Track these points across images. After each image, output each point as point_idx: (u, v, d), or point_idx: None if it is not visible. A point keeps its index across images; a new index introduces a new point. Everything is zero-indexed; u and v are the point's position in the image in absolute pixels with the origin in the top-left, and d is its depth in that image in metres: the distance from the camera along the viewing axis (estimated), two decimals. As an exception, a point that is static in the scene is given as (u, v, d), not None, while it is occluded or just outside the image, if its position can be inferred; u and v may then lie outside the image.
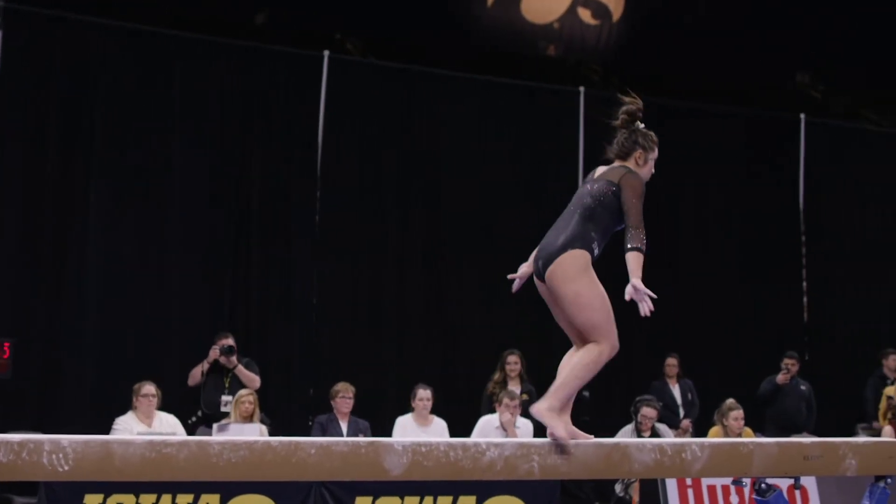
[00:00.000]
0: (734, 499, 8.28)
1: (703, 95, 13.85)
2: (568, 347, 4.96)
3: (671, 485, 8.17)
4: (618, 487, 9.02)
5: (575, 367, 4.76)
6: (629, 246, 4.67)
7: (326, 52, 11.20)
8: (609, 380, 11.90)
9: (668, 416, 10.77)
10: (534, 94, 12.28)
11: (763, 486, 5.01)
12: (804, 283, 13.31)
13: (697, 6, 17.44)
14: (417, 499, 7.63)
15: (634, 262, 4.68)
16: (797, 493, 8.39)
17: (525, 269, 5.23)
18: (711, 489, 8.29)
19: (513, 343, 10.50)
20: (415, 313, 11.45)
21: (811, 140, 13.30)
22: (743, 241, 12.98)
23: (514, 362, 10.13)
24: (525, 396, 9.82)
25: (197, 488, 7.15)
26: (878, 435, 10.12)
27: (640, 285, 4.65)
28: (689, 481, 8.19)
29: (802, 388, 11.08)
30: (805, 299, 13.27)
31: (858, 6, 16.11)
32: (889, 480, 5.17)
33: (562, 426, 4.58)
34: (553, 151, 12.09)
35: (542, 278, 4.92)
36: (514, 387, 9.81)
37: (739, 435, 9.04)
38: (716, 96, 14.15)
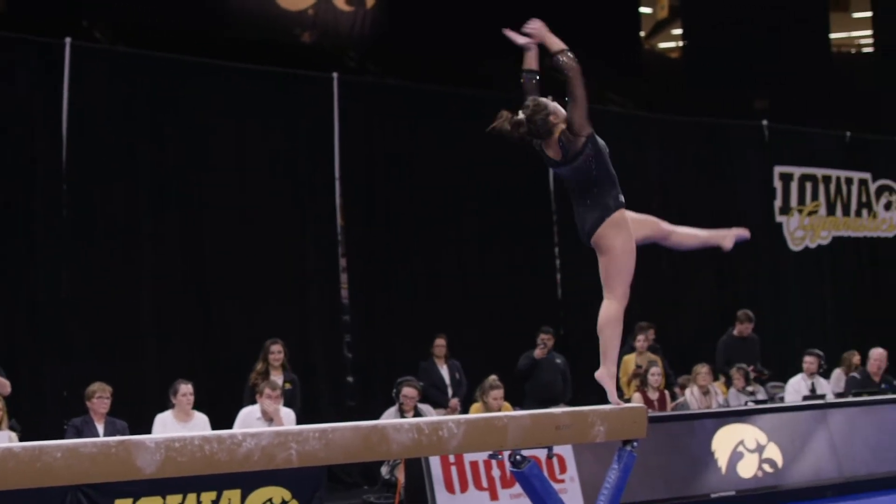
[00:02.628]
0: (496, 472, 8.48)
1: (459, 80, 14.11)
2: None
3: (435, 463, 8.27)
4: (384, 469, 9.10)
5: (601, 328, 5.36)
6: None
7: (68, 40, 10.70)
8: (373, 363, 12.04)
9: (437, 396, 10.97)
10: (289, 81, 12.15)
11: (518, 457, 5.13)
12: (557, 261, 13.83)
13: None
14: (180, 497, 7.44)
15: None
16: (555, 461, 8.74)
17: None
18: (474, 465, 8.44)
19: (275, 333, 10.41)
20: (174, 306, 11.14)
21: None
22: (498, 223, 13.30)
23: (277, 352, 10.06)
24: (288, 385, 9.77)
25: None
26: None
27: None
28: (451, 458, 8.32)
29: (558, 361, 11.51)
30: (558, 276, 13.79)
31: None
32: (635, 444, 5.42)
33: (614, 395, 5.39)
34: (309, 138, 12.03)
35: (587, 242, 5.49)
36: (277, 376, 9.74)
37: (499, 410, 9.26)
38: (471, 80, 14.45)
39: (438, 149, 12.93)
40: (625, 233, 5.34)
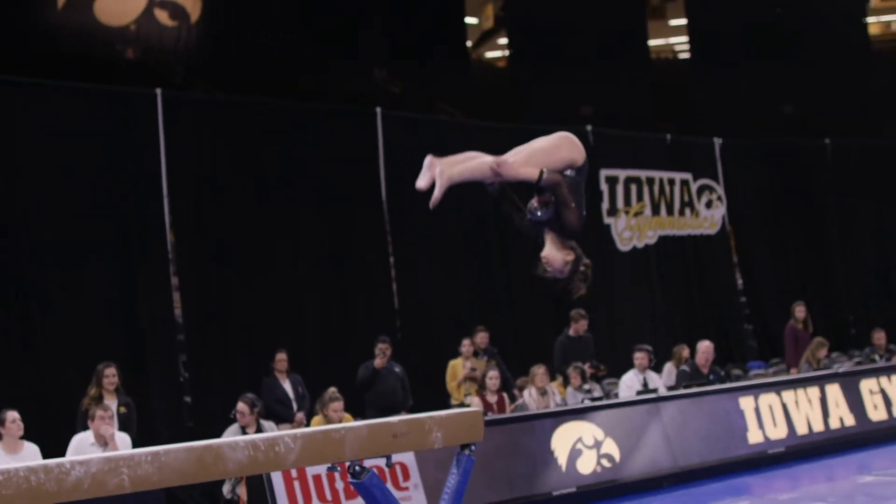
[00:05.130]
0: (339, 484, 8.47)
1: (283, 93, 14.07)
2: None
3: (276, 479, 8.21)
4: (225, 488, 8.97)
5: (474, 157, 5.27)
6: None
7: None
8: (211, 382, 11.85)
9: (282, 411, 10.88)
10: (111, 98, 11.87)
11: (357, 468, 5.13)
12: (392, 271, 13.90)
13: (274, 6, 17.69)
14: (11, 531, 7.15)
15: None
16: (398, 469, 8.79)
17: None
18: (317, 478, 8.41)
19: (107, 355, 10.13)
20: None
21: (389, 132, 13.87)
22: (332, 235, 13.29)
23: (111, 375, 9.78)
24: (123, 409, 9.52)
25: None
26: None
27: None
28: (294, 473, 8.27)
29: (397, 370, 11.56)
30: (394, 286, 13.86)
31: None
32: (473, 448, 5.49)
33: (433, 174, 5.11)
34: (134, 155, 11.77)
35: None
36: (111, 401, 9.47)
37: (340, 422, 9.24)
38: (297, 92, 14.41)
39: (268, 162, 12.85)
40: (570, 150, 5.40)
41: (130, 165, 11.76)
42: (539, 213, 5.36)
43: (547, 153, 5.33)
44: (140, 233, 11.76)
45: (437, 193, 5.12)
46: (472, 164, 5.26)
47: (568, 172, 5.34)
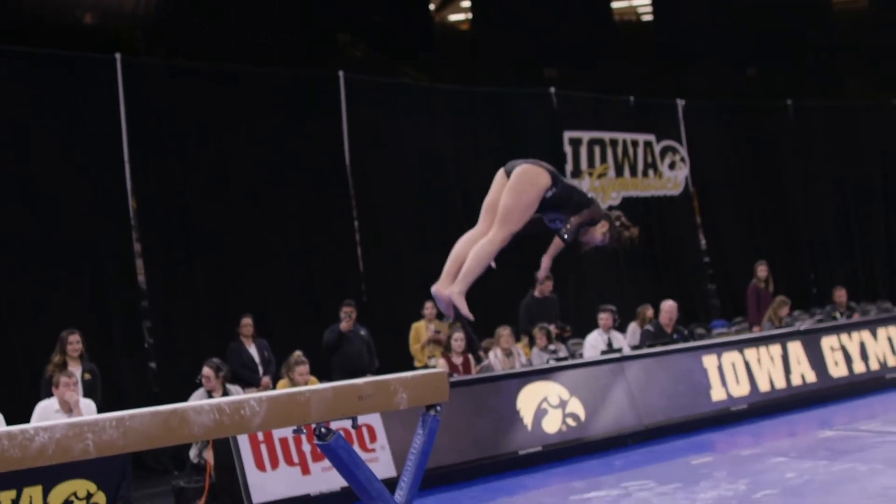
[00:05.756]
0: (306, 447, 8.49)
1: (246, 58, 13.95)
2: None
3: (243, 442, 8.21)
4: (192, 453, 8.98)
5: (479, 255, 5.44)
6: (562, 236, 5.68)
7: None
8: (177, 347, 11.83)
9: (248, 376, 10.89)
10: (71, 64, 11.73)
11: (323, 430, 5.14)
12: (357, 234, 13.89)
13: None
14: (-24, 499, 7.16)
15: (555, 250, 5.95)
16: (364, 432, 8.83)
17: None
18: (283, 441, 8.43)
19: (71, 323, 10.08)
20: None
21: (352, 96, 13.81)
22: (296, 199, 13.26)
23: (74, 342, 9.74)
24: (88, 376, 9.50)
25: None
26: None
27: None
28: (260, 436, 8.28)
29: (362, 332, 11.59)
30: (359, 249, 13.86)
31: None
32: (439, 408, 5.53)
33: (466, 306, 5.41)
34: (93, 122, 11.66)
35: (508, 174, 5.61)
36: (75, 367, 9.44)
37: (305, 385, 9.25)
38: (259, 57, 14.30)
39: (231, 128, 12.78)
40: (537, 188, 5.55)
41: (91, 131, 11.66)
42: (566, 236, 5.70)
43: (518, 205, 5.53)
44: (102, 199, 11.67)
45: (465, 311, 5.47)
46: (472, 267, 5.48)
47: (547, 194, 5.59)
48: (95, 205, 11.61)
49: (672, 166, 17.65)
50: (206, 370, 9.26)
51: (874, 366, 13.09)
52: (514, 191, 5.53)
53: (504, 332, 11.65)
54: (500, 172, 5.71)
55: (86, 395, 9.00)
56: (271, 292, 12.80)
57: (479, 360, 11.85)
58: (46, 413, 8.52)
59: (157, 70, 12.75)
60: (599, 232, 5.75)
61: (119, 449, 4.44)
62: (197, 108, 12.54)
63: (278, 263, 12.97)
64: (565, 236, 5.62)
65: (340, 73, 13.75)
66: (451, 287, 5.45)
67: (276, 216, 13.11)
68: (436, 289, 5.50)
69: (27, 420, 8.46)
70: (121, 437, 4.39)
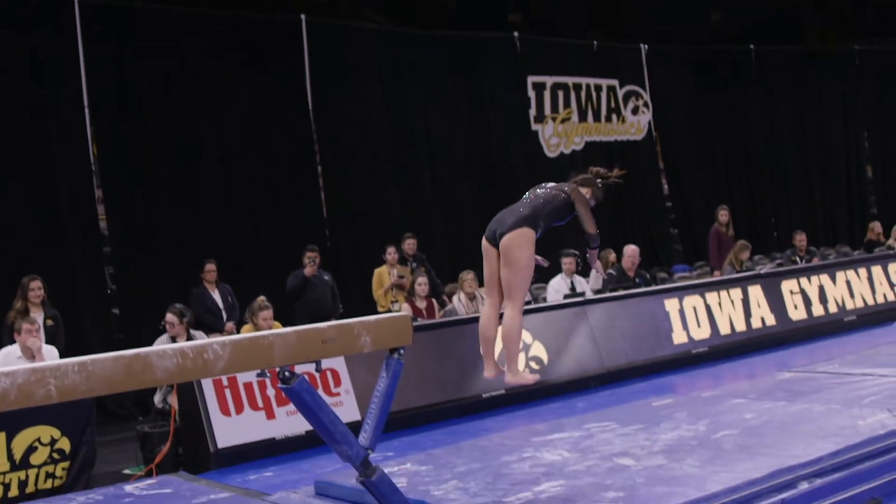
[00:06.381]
0: (271, 392, 8.51)
1: (213, 1, 13.75)
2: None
3: (207, 387, 8.21)
4: (157, 398, 8.98)
5: (510, 335, 6.21)
6: (591, 245, 6.41)
7: None
8: (140, 293, 11.79)
9: (212, 321, 10.87)
10: (28, 7, 11.51)
11: (286, 374, 5.15)
12: (320, 179, 13.84)
13: None
14: (-60, 445, 7.13)
15: (593, 257, 6.53)
16: (329, 376, 8.86)
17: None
18: (248, 386, 8.44)
19: (33, 269, 10.01)
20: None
21: (314, 40, 13.69)
22: (259, 144, 13.18)
23: (36, 288, 9.68)
24: (50, 322, 9.46)
25: None
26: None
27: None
28: (225, 381, 8.29)
29: (326, 278, 11.58)
30: (323, 195, 13.81)
31: None
32: (402, 351, 5.54)
33: (527, 376, 6.57)
34: (52, 67, 11.50)
35: (494, 243, 6.25)
36: (37, 314, 9.39)
37: (269, 330, 9.24)
38: (214, 1, 14.07)
39: (192, 72, 12.65)
40: (529, 250, 6.13)
41: (50, 76, 11.50)
42: (592, 244, 6.52)
43: (520, 274, 6.17)
44: (62, 145, 11.54)
45: (530, 381, 6.65)
46: (512, 349, 6.34)
47: (538, 236, 6.24)
48: (55, 151, 11.47)
49: (635, 111, 17.68)
50: (170, 316, 9.23)
51: (833, 309, 13.28)
52: (510, 266, 6.11)
53: (468, 276, 11.68)
54: (485, 244, 6.31)
55: (48, 341, 8.95)
56: (235, 237, 12.76)
57: (442, 304, 11.89)
58: (9, 359, 8.48)
59: (117, 12, 12.54)
60: (586, 199, 6.50)
61: (82, 394, 4.42)
62: (157, 53, 12.38)
63: (242, 209, 12.92)
64: (592, 244, 6.39)
65: (303, 17, 13.61)
66: (505, 375, 6.39)
67: (240, 161, 13.03)
68: (506, 380, 6.46)
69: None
70: (83, 382, 4.36)
